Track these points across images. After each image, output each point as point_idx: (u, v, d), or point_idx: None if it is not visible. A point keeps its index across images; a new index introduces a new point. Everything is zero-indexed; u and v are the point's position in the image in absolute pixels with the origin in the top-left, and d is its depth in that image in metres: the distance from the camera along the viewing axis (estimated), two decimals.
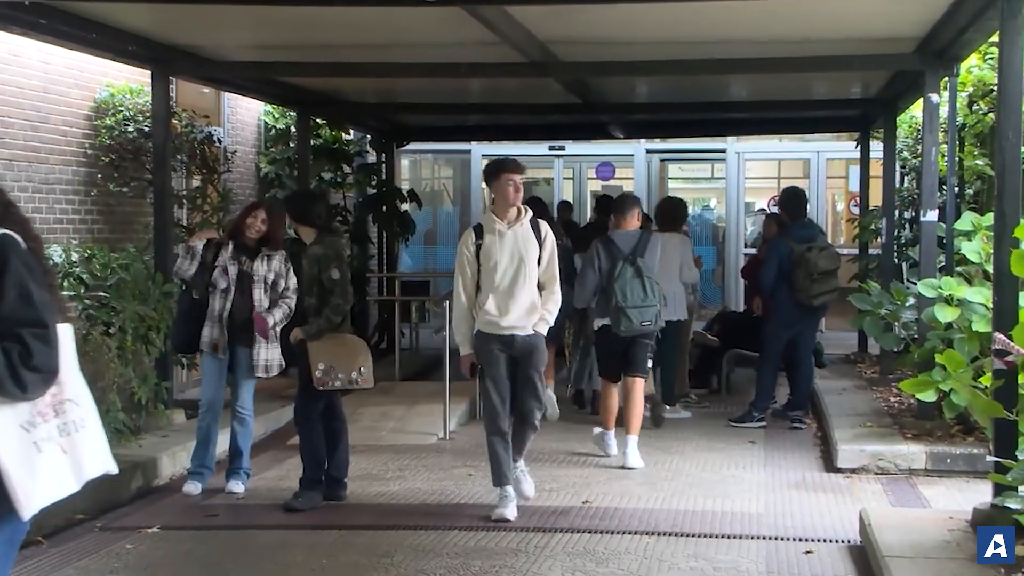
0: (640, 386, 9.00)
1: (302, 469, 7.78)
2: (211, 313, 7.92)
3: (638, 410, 8.93)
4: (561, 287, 7.57)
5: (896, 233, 13.27)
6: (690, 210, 17.95)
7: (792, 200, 10.94)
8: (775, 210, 13.66)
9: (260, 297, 7.95)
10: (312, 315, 7.76)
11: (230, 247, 7.98)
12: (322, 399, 7.79)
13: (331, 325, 7.72)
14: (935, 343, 8.32)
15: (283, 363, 8.15)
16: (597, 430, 9.30)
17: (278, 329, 8.01)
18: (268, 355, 7.97)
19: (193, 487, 7.97)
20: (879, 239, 13.36)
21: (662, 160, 19.80)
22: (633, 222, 9.19)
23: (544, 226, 7.53)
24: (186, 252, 8.04)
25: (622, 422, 8.96)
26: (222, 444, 8.35)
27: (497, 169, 7.45)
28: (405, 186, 17.58)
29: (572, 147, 19.35)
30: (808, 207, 11.15)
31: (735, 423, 10.42)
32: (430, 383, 11.58)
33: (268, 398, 10.74)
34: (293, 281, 8.06)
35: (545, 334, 7.50)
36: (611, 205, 9.92)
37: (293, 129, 13.97)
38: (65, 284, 8.77)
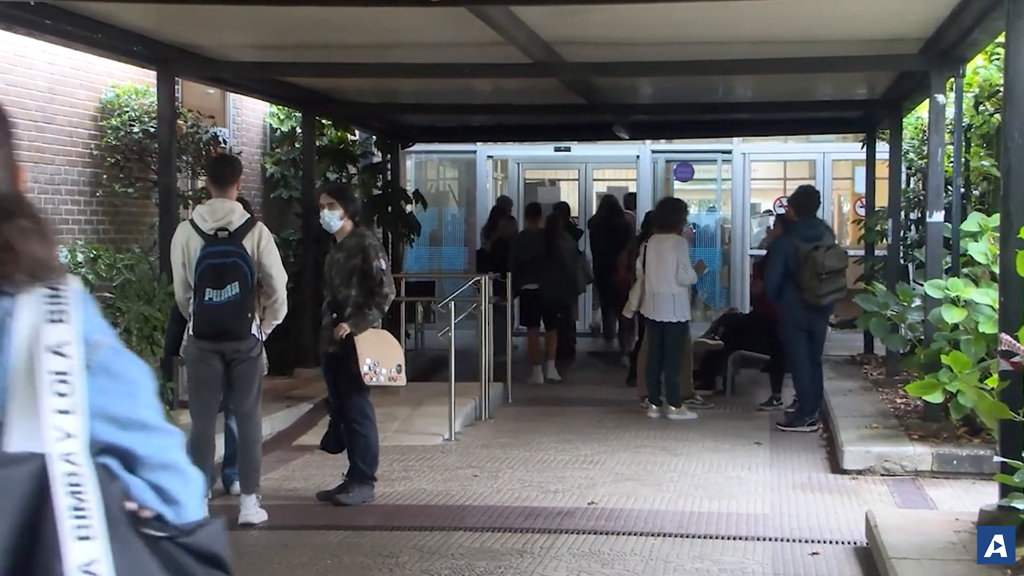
0: (552, 335, 13.46)
1: (355, 465, 7.66)
2: None
3: (552, 345, 13.47)
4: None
5: (902, 234, 13.23)
6: (694, 211, 17.96)
7: (804, 197, 10.85)
8: (782, 211, 13.64)
9: None
10: (351, 307, 7.50)
11: None
12: (368, 392, 7.69)
13: (382, 317, 7.63)
14: (941, 344, 8.28)
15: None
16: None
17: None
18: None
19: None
20: (885, 240, 13.33)
21: (667, 161, 19.76)
22: (536, 224, 13.54)
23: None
24: None
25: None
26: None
27: None
28: (410, 187, 17.55)
29: (577, 148, 19.29)
30: (818, 208, 11.10)
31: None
32: (435, 383, 11.56)
33: (274, 398, 10.73)
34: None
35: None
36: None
37: (298, 130, 13.97)
38: None
